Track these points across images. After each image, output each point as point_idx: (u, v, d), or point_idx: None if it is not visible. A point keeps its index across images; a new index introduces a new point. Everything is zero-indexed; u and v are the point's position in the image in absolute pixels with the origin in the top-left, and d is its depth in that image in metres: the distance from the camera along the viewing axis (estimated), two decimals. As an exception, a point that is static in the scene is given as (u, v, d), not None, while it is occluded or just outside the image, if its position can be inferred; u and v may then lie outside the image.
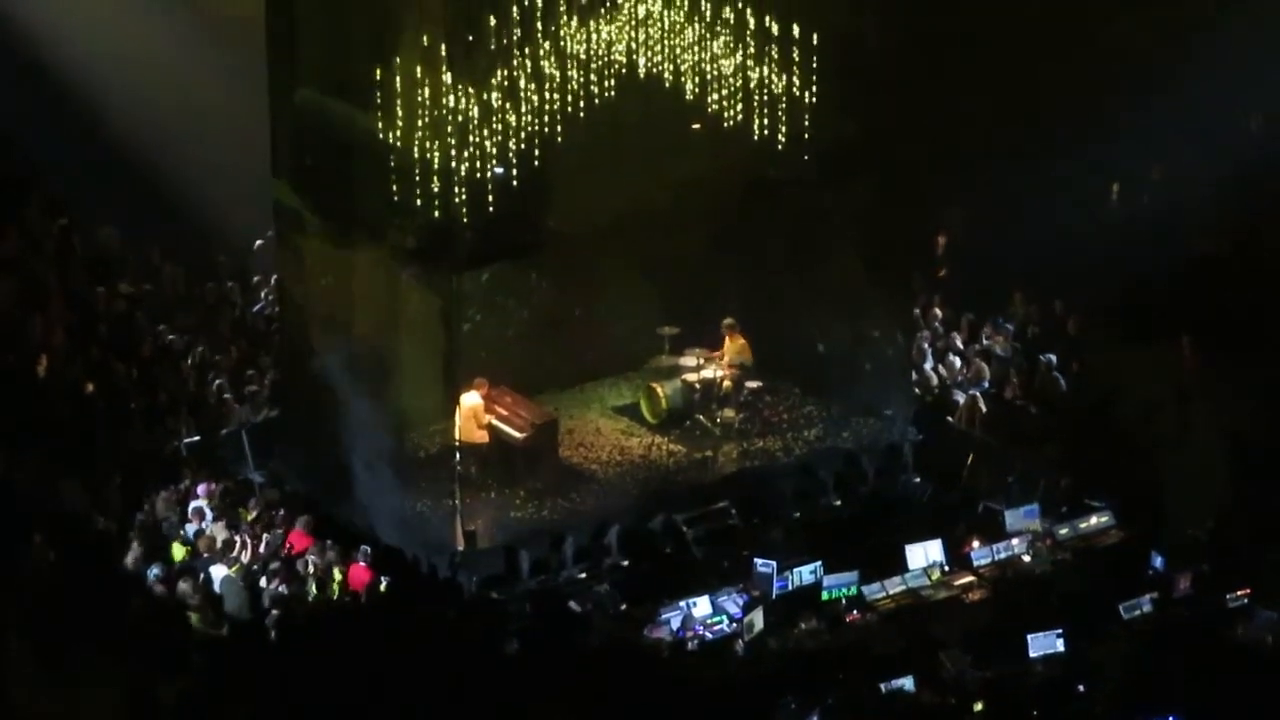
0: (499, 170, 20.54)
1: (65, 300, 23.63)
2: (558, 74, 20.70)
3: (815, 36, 21.64)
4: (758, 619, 19.75)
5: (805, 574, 20.36)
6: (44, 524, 19.21)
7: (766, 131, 21.88)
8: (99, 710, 15.95)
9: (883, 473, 23.08)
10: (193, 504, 20.76)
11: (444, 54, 20.08)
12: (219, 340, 24.00)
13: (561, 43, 20.71)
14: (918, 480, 23.03)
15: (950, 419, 23.67)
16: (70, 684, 15.97)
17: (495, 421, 22.27)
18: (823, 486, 22.70)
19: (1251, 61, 25.51)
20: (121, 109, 25.37)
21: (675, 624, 19.70)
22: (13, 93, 25.17)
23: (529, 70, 20.53)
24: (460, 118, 20.20)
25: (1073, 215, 25.55)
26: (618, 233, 22.90)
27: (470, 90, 20.24)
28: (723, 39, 21.57)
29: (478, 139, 20.31)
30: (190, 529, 20.50)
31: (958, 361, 24.55)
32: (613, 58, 21.07)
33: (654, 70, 21.39)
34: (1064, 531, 21.50)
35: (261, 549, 20.30)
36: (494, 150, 20.42)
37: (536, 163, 20.75)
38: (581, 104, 20.90)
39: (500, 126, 20.43)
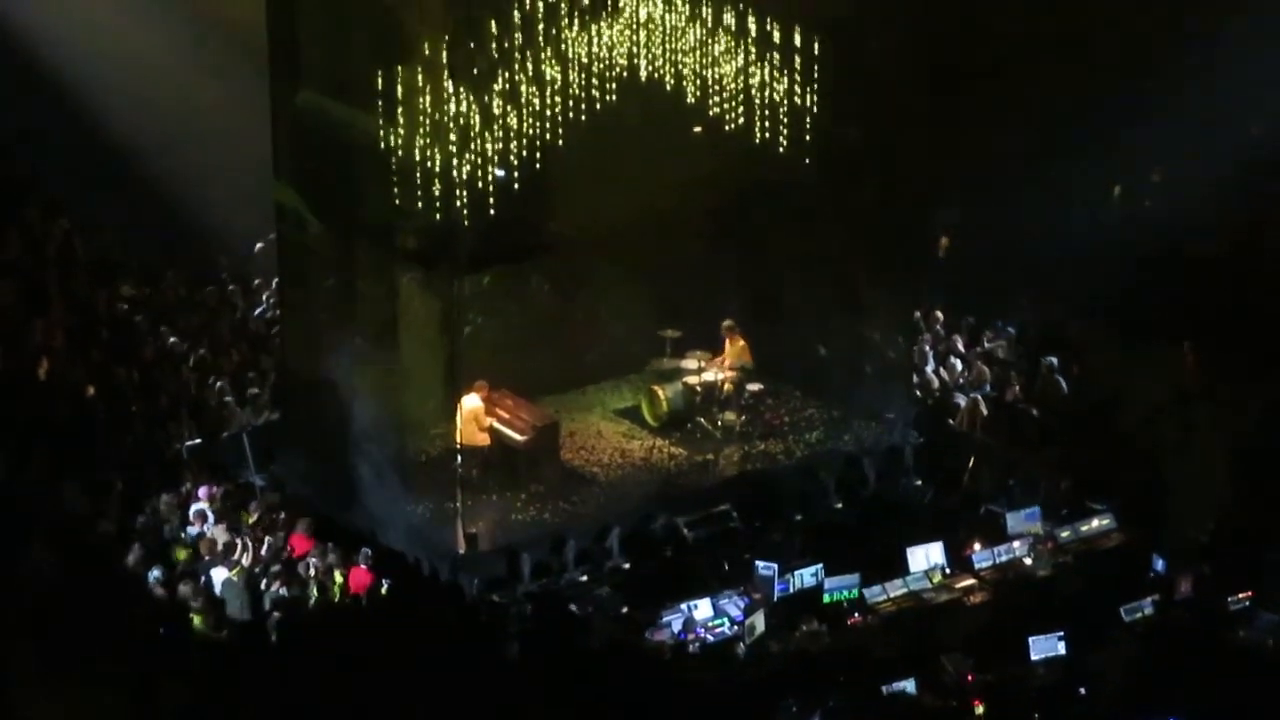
0: (500, 173, 20.53)
1: (66, 303, 23.66)
2: (559, 77, 20.69)
3: (816, 39, 21.66)
4: (759, 621, 19.73)
5: (806, 576, 20.32)
6: (45, 527, 19.24)
7: (767, 134, 21.89)
8: (101, 713, 15.96)
9: (884, 475, 23.08)
10: (194, 507, 20.76)
11: (445, 58, 20.08)
12: (220, 343, 24.02)
13: (563, 46, 20.71)
14: (919, 483, 23.02)
15: (951, 422, 23.67)
16: (72, 686, 15.98)
17: (496, 424, 22.26)
18: (824, 489, 22.69)
19: (1253, 64, 25.52)
20: (122, 112, 25.41)
21: (677, 626, 19.66)
22: (14, 96, 25.21)
23: (530, 74, 20.53)
24: (461, 121, 20.20)
25: (1074, 218, 25.55)
26: (618, 235, 22.93)
27: (471, 94, 20.23)
28: (723, 42, 21.58)
29: (479, 142, 20.30)
30: (191, 532, 20.51)
31: (959, 364, 24.57)
32: (614, 61, 21.07)
33: (655, 74, 21.39)
34: (1065, 534, 21.48)
35: (263, 552, 20.27)
36: (495, 153, 20.42)
37: (537, 166, 20.72)
38: (583, 107, 20.89)
39: (501, 130, 20.42)
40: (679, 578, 20.74)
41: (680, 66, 21.49)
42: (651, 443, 23.37)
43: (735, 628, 19.79)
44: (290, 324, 22.70)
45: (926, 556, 20.85)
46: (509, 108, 20.44)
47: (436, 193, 20.29)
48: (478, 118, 20.25)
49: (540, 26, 20.49)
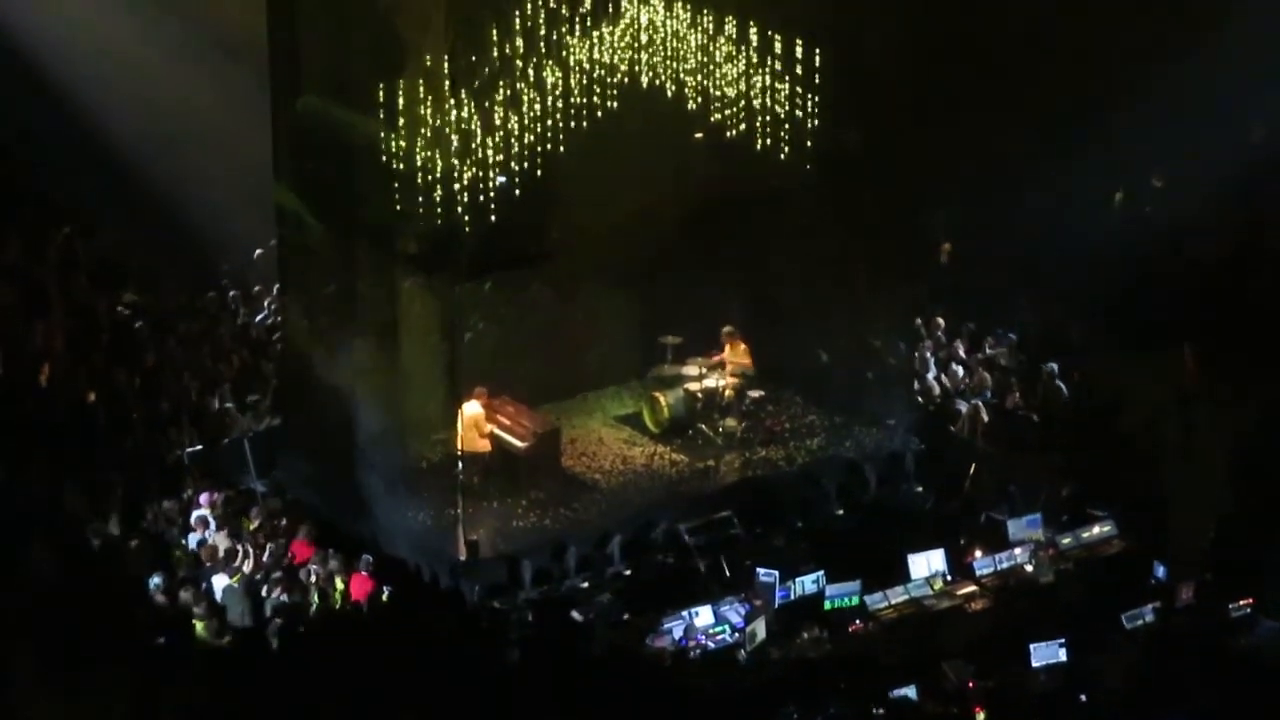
0: (501, 179, 20.56)
1: (67, 308, 23.66)
2: (560, 84, 20.71)
3: (817, 44, 21.67)
4: (760, 628, 19.74)
5: (808, 583, 20.32)
6: (46, 533, 19.23)
7: (768, 140, 21.90)
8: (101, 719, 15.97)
9: (885, 482, 23.10)
10: (195, 513, 20.78)
11: (446, 65, 20.10)
12: (221, 349, 24.03)
13: (564, 53, 20.73)
14: (920, 489, 23.04)
15: (952, 428, 23.65)
16: (72, 693, 15.97)
17: (497, 431, 22.27)
18: (825, 496, 22.71)
19: (1254, 68, 25.53)
20: (122, 117, 25.39)
21: (678, 633, 19.66)
22: (14, 100, 25.22)
23: (532, 80, 20.54)
24: (463, 127, 20.22)
25: (1075, 223, 25.54)
26: (619, 241, 22.95)
27: (473, 100, 20.25)
28: (724, 49, 21.60)
29: (480, 148, 20.32)
30: (193, 538, 20.52)
31: (960, 370, 24.57)
32: (615, 67, 21.09)
33: (656, 80, 21.41)
34: (1066, 541, 21.46)
35: (264, 558, 20.31)
36: (496, 159, 20.43)
37: (539, 172, 20.74)
38: (584, 113, 20.91)
39: (502, 136, 20.44)
40: (680, 584, 20.76)
41: (680, 72, 21.50)
42: (653, 449, 23.38)
43: (736, 634, 19.79)
44: (291, 330, 22.70)
45: (928, 563, 20.84)
46: (510, 114, 20.44)
47: (438, 199, 20.31)
48: (479, 124, 20.26)
49: (541, 33, 20.49)
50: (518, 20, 20.39)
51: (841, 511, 22.60)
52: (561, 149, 20.84)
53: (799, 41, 21.64)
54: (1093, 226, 25.54)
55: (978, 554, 21.10)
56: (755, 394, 23.73)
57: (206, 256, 25.65)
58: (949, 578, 20.89)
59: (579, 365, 24.45)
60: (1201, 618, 19.77)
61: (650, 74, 21.38)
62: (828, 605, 20.23)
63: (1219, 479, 21.46)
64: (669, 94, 21.55)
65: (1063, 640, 19.15)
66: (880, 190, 22.88)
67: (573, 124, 20.87)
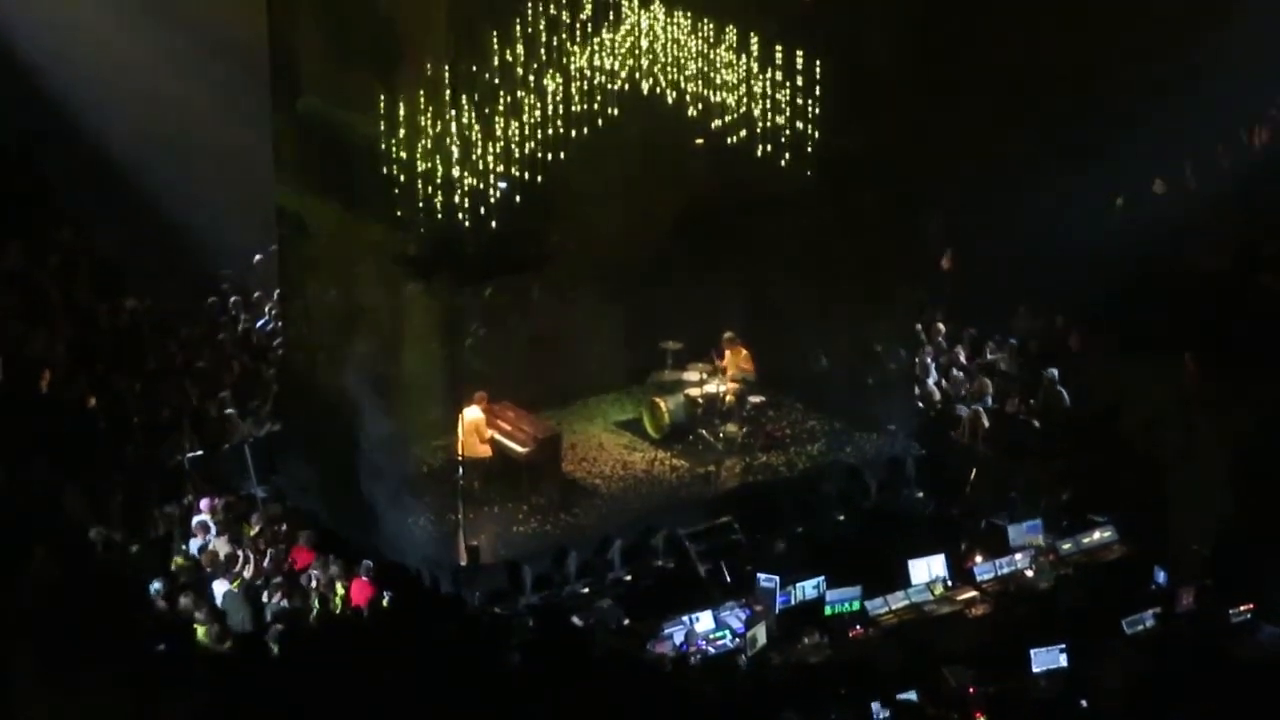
0: (502, 185, 20.57)
1: (68, 314, 23.67)
2: (561, 90, 20.71)
3: (816, 50, 21.68)
4: (761, 634, 19.75)
5: (808, 589, 20.36)
6: (47, 538, 19.25)
7: (769, 146, 21.91)
8: (102, 725, 15.99)
9: (886, 487, 23.11)
10: (196, 519, 20.81)
11: (447, 71, 20.12)
12: (221, 355, 24.03)
13: (565, 59, 20.75)
14: (921, 495, 23.03)
15: (953, 433, 23.67)
16: (73, 699, 15.98)
17: (498, 436, 22.29)
18: (826, 501, 22.70)
19: (1255, 74, 25.57)
20: (123, 123, 25.41)
21: (678, 639, 19.69)
22: (15, 105, 25.25)
23: (533, 86, 20.55)
24: (464, 132, 20.22)
25: (1076, 229, 25.54)
26: (620, 247, 22.97)
27: (474, 106, 20.26)
28: (726, 54, 21.61)
29: (481, 153, 20.33)
30: (194, 544, 20.54)
31: (961, 376, 24.56)
32: (616, 73, 21.09)
33: (657, 86, 21.41)
34: (1067, 546, 21.50)
35: (264, 564, 20.33)
36: (497, 165, 20.44)
37: (539, 177, 20.74)
38: (585, 119, 20.91)
39: (503, 141, 20.45)
40: (681, 590, 20.77)
41: (680, 79, 21.49)
42: (653, 455, 23.41)
43: (737, 640, 19.83)
44: (291, 335, 22.73)
45: (928, 568, 20.88)
46: (511, 120, 20.45)
47: (438, 204, 20.29)
48: (480, 129, 20.27)
49: (542, 39, 20.51)
50: (519, 27, 20.39)
51: (842, 517, 22.60)
52: (562, 155, 20.81)
53: (799, 47, 21.62)
54: (1093, 231, 25.54)
55: (978, 559, 21.13)
56: (756, 399, 23.74)
57: (207, 262, 25.65)
58: (949, 583, 20.93)
59: (579, 370, 24.48)
60: (1202, 623, 19.77)
61: (651, 80, 21.36)
62: (828, 610, 20.26)
63: (1219, 484, 21.43)
64: (669, 100, 21.53)
65: (1063, 646, 19.15)
66: (881, 195, 22.85)
67: (573, 130, 20.85)
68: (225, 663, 18.29)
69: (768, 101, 21.78)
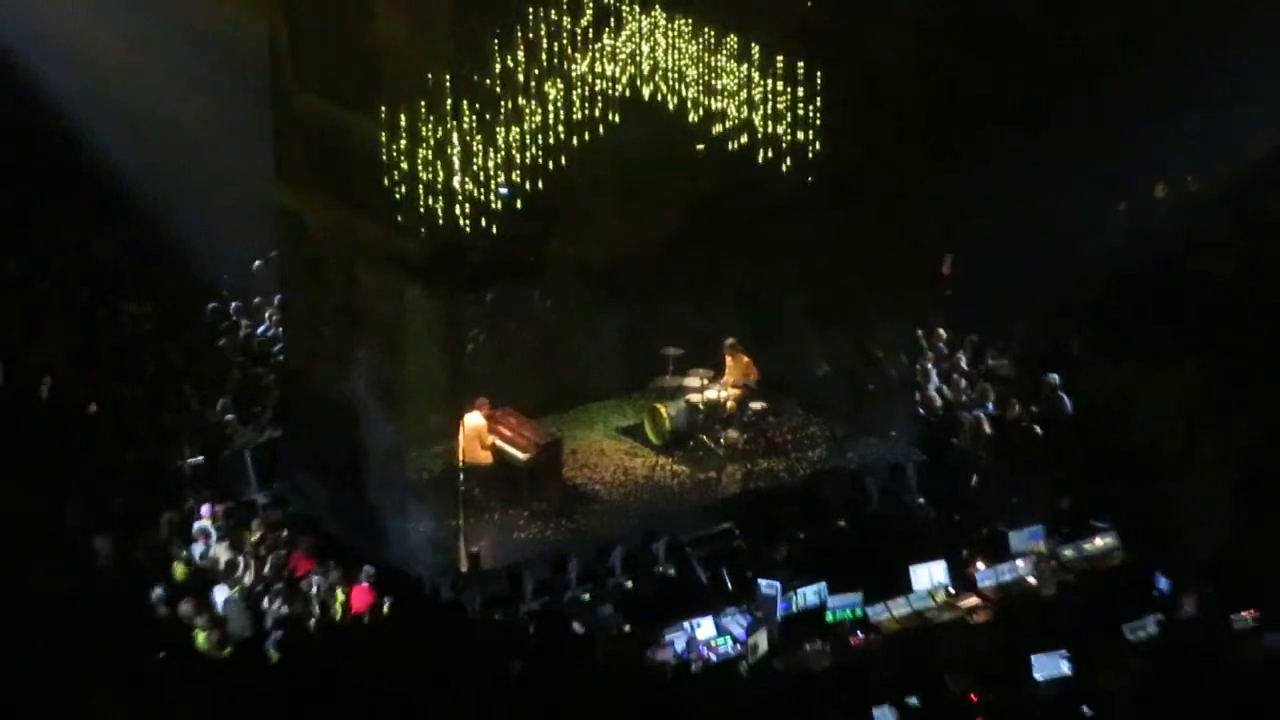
0: (504, 190, 20.56)
1: (69, 320, 23.67)
2: (563, 96, 20.71)
3: (818, 56, 21.68)
4: (762, 640, 19.72)
5: (809, 595, 20.31)
6: (47, 544, 19.25)
7: (770, 151, 21.90)
8: (103, 731, 15.99)
9: (887, 493, 23.11)
10: (196, 525, 20.79)
11: (449, 76, 20.12)
12: (223, 360, 24.02)
13: (567, 65, 20.73)
14: (922, 501, 23.03)
15: (954, 440, 23.65)
16: (72, 704, 15.99)
17: (498, 442, 22.28)
18: (827, 507, 22.68)
19: (1258, 78, 25.55)
20: (123, 128, 25.39)
21: (679, 645, 19.64)
22: (13, 109, 25.26)
23: (534, 92, 20.54)
24: (465, 137, 20.21)
25: (1078, 234, 25.53)
26: (621, 253, 22.96)
27: (476, 110, 20.25)
28: (727, 60, 21.60)
29: (483, 158, 20.32)
30: (194, 550, 20.52)
31: (962, 382, 24.55)
32: (618, 79, 21.07)
33: (658, 91, 21.40)
34: (1068, 553, 21.41)
35: (265, 570, 20.32)
36: (499, 170, 20.43)
37: (541, 182, 20.72)
38: (586, 125, 20.89)
39: (505, 146, 20.44)
40: (682, 596, 20.74)
41: (683, 84, 21.49)
42: (654, 461, 23.40)
43: (738, 646, 19.80)
44: (292, 341, 22.73)
45: (930, 575, 20.84)
46: (513, 125, 20.44)
47: (439, 209, 20.26)
48: (481, 135, 20.26)
49: (545, 44, 20.50)
50: (520, 31, 20.39)
51: (843, 523, 22.56)
52: (564, 159, 20.79)
53: (800, 52, 21.63)
54: (1095, 235, 25.52)
55: (980, 566, 21.09)
56: (757, 405, 23.70)
57: (208, 267, 25.61)
58: (951, 589, 20.88)
59: (581, 376, 24.47)
60: (1205, 629, 19.71)
61: (652, 85, 21.35)
62: (830, 617, 20.23)
63: (1222, 489, 21.37)
64: (671, 105, 21.51)
65: (1065, 652, 19.05)
66: (882, 200, 22.84)
67: (575, 135, 20.83)
68: (225, 669, 18.30)
69: (769, 107, 21.75)
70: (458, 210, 20.31)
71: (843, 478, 23.18)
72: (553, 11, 20.53)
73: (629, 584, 21.33)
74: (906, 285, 24.05)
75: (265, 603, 19.77)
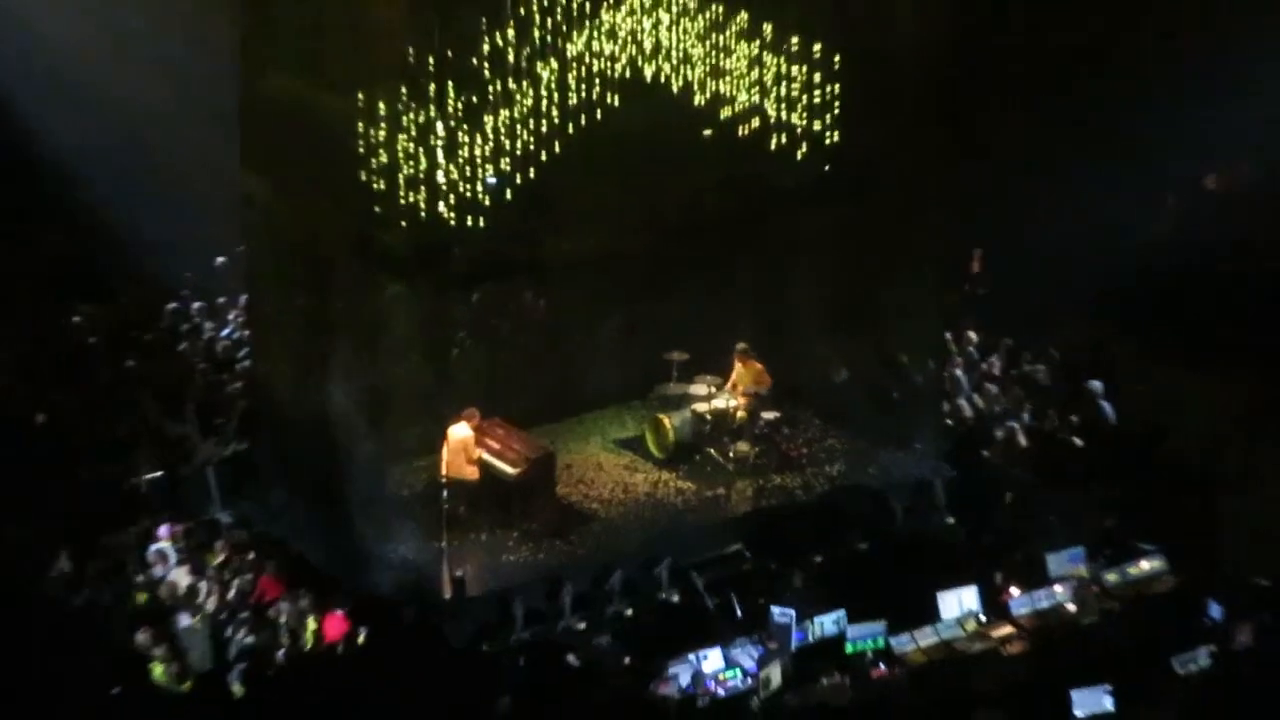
0: (492, 181, 20.51)
1: (14, 323, 23.67)
2: (555, 84, 20.69)
3: (837, 44, 21.68)
4: (775, 673, 19.68)
5: (827, 624, 20.30)
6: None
7: (783, 138, 21.88)
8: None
9: (913, 512, 23.06)
10: (153, 547, 20.80)
11: (432, 55, 20.02)
12: (183, 367, 23.99)
13: (561, 43, 20.69)
14: (951, 521, 22.99)
15: (986, 453, 23.69)
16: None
17: (486, 456, 22.32)
18: (847, 527, 22.61)
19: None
20: (73, 113, 25.49)
21: (684, 679, 19.62)
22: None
23: (524, 79, 20.49)
24: (450, 122, 20.15)
25: (1122, 227, 25.55)
26: (621, 250, 22.88)
27: (461, 94, 20.17)
28: (736, 46, 21.58)
29: (469, 146, 20.26)
30: (152, 574, 20.47)
31: (995, 390, 24.56)
32: (616, 66, 21.08)
33: (661, 79, 21.41)
34: (1112, 578, 21.44)
35: (229, 596, 20.32)
36: (486, 158, 20.35)
37: (532, 175, 20.69)
38: (581, 115, 20.89)
39: (493, 133, 20.38)
40: (687, 625, 20.66)
41: (689, 70, 21.49)
42: (657, 476, 23.46)
43: (749, 680, 19.74)
44: (259, 345, 22.71)
45: (960, 602, 20.82)
46: (501, 115, 20.43)
47: (421, 202, 20.23)
48: (467, 125, 20.24)
49: (536, 31, 20.48)
50: (510, 6, 20.30)
51: (865, 545, 22.50)
52: (558, 147, 20.77)
53: (816, 33, 21.65)
54: (1142, 229, 25.59)
55: (1014, 592, 21.09)
56: (769, 415, 23.79)
57: (167, 264, 25.62)
58: (983, 618, 20.88)
59: (576, 384, 24.57)
60: (1261, 661, 19.65)
61: (654, 66, 21.33)
62: (849, 648, 20.19)
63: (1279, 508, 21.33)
64: (675, 88, 21.54)
65: (1108, 687, 19.00)
66: (906, 191, 22.81)
67: (570, 121, 20.81)
68: (185, 704, 18.33)
69: (781, 90, 21.81)
70: (442, 202, 20.25)
71: (864, 495, 23.16)
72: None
73: (629, 612, 21.27)
74: (934, 283, 24.10)
75: (229, 632, 19.74)
